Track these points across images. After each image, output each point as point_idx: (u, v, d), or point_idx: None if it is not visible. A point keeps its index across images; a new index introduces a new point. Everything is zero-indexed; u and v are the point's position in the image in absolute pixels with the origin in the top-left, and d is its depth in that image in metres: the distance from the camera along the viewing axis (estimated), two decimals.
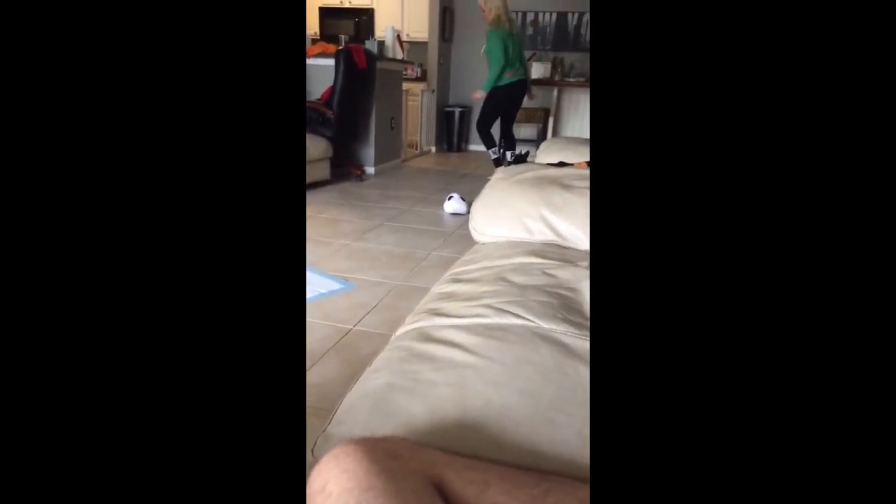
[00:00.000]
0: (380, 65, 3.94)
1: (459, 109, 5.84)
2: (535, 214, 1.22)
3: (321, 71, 3.84)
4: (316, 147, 3.42)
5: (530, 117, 4.97)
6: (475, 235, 1.32)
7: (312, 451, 0.58)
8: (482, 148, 5.94)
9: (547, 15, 5.36)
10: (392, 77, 4.32)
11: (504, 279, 0.95)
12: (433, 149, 5.70)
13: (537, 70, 5.11)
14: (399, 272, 2.10)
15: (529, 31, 5.43)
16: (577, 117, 5.10)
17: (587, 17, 5.22)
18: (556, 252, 1.10)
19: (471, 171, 4.64)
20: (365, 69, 3.69)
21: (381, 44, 4.28)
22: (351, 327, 1.63)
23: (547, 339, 0.73)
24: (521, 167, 1.43)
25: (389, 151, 4.43)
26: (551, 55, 5.31)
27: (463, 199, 3.07)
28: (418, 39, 5.58)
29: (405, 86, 4.81)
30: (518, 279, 0.94)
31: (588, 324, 0.77)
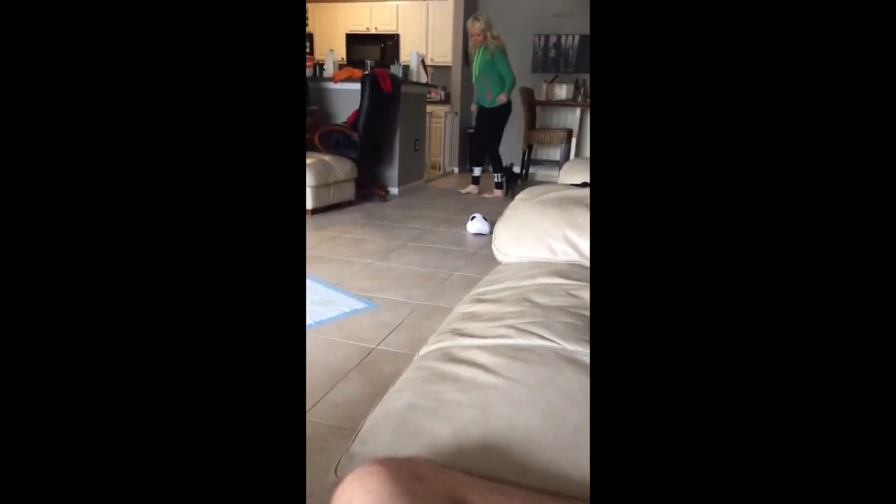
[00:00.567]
0: (404, 88, 4.02)
1: None
2: (559, 235, 1.21)
3: (348, 95, 3.93)
4: (342, 168, 3.49)
5: (553, 138, 4.98)
6: (498, 256, 1.32)
7: (336, 471, 0.58)
8: None
9: (570, 38, 5.41)
10: (416, 100, 4.40)
11: (528, 300, 0.95)
12: (456, 170, 5.75)
13: (560, 92, 5.14)
14: (422, 292, 2.11)
15: (553, 53, 5.48)
16: None
17: None
18: (580, 272, 1.10)
19: (493, 191, 4.66)
20: (390, 93, 3.77)
21: (406, 68, 4.37)
22: (374, 347, 1.63)
23: (571, 361, 0.72)
24: (543, 188, 1.43)
25: (413, 172, 4.49)
26: (574, 77, 5.34)
27: (486, 219, 3.08)
28: (442, 63, 5.68)
29: (429, 108, 4.89)
30: (542, 300, 0.94)
31: None
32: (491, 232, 3.01)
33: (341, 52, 5.99)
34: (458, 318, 0.94)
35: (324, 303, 1.94)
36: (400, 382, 0.75)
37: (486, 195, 4.28)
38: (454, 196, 4.31)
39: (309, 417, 1.25)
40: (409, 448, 0.58)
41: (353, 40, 6.07)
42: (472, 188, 4.43)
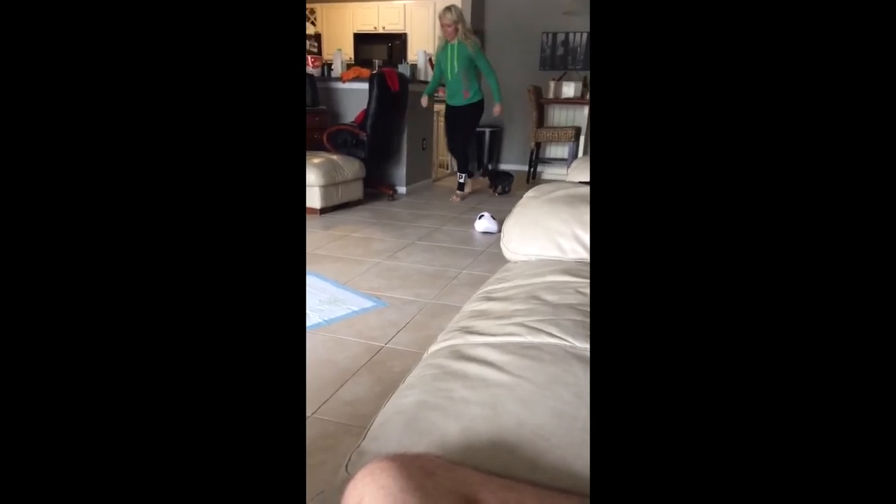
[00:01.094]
0: (412, 87, 4.02)
1: (490, 129, 5.89)
2: (568, 233, 1.21)
3: (356, 94, 3.94)
4: (350, 168, 3.50)
5: (561, 136, 4.97)
6: (507, 254, 1.32)
7: (347, 468, 0.59)
8: (512, 167, 5.97)
9: (578, 35, 5.38)
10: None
11: (537, 298, 0.95)
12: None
13: (568, 90, 5.11)
14: (430, 290, 2.11)
15: (560, 51, 5.46)
16: None
17: None
18: (589, 270, 1.09)
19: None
20: (398, 92, 3.77)
21: (414, 67, 4.38)
22: (383, 345, 1.64)
23: (581, 358, 0.72)
24: (552, 185, 1.43)
25: (420, 171, 4.49)
26: (582, 75, 5.31)
27: (493, 218, 3.07)
28: None
29: (436, 107, 4.88)
30: (551, 298, 0.94)
31: None
32: (499, 230, 3.02)
33: (349, 52, 6.00)
34: (467, 316, 0.94)
35: (333, 301, 1.95)
36: (410, 380, 0.75)
37: (454, 198, 4.02)
38: None
39: (318, 415, 1.26)
40: (419, 445, 0.58)
41: (361, 40, 6.08)
42: (459, 193, 4.11)
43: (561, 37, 5.46)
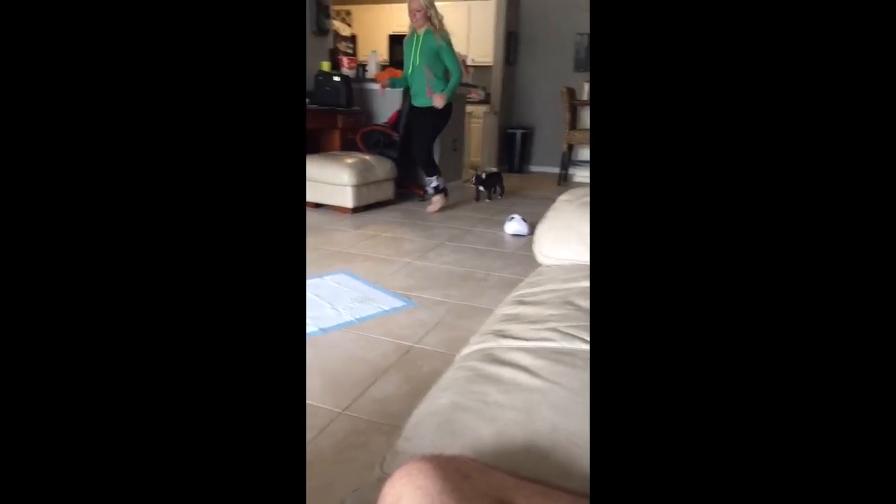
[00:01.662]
0: None
1: (521, 131, 5.86)
2: None
3: (389, 96, 3.98)
4: (382, 168, 3.54)
5: (588, 138, 4.90)
6: (539, 258, 1.32)
7: (382, 466, 0.60)
8: (543, 168, 5.92)
9: None
10: (456, 100, 4.40)
11: (570, 303, 0.94)
12: (495, 170, 5.73)
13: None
14: (459, 292, 2.12)
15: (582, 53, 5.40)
16: None
17: None
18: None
19: (531, 192, 4.62)
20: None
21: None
22: (412, 345, 1.65)
23: None
24: (586, 189, 1.41)
25: (451, 172, 4.50)
26: None
27: (524, 220, 3.06)
28: (483, 63, 5.68)
29: (468, 108, 4.89)
30: (585, 303, 0.93)
31: None
32: (529, 233, 3.00)
33: (384, 54, 6.07)
34: (499, 319, 0.94)
35: (364, 300, 1.98)
36: (443, 381, 0.75)
37: (430, 208, 3.56)
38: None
39: (349, 412, 1.28)
40: (453, 447, 0.58)
41: (396, 41, 6.14)
42: (436, 201, 3.57)
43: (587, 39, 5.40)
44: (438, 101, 3.30)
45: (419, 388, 1.39)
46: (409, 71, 3.32)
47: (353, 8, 6.24)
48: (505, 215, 3.31)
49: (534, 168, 6.06)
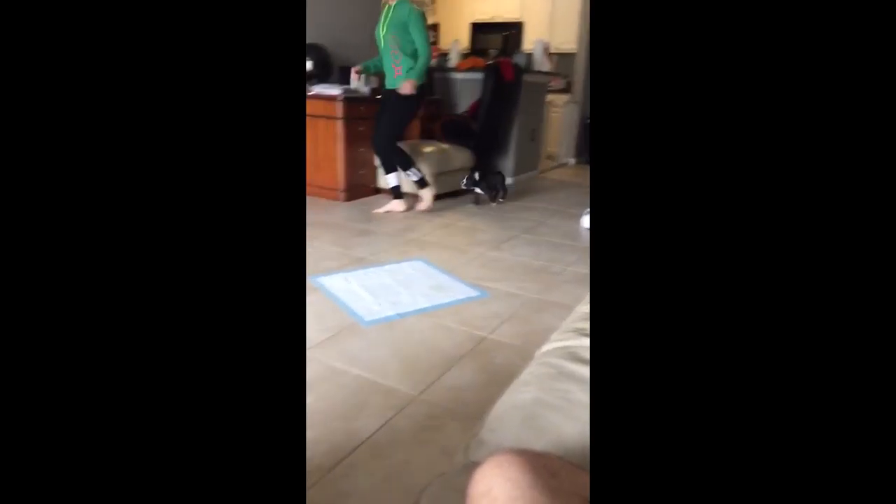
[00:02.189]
0: (526, 77, 3.98)
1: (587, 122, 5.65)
2: None
3: (470, 84, 3.98)
4: (459, 157, 3.56)
5: None
6: None
7: (466, 454, 0.62)
8: None
9: None
10: (537, 89, 4.33)
11: None
12: (573, 161, 5.59)
13: None
14: (533, 285, 2.11)
15: None
16: None
17: None
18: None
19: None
20: (511, 82, 3.75)
21: (529, 56, 4.32)
22: (486, 335, 1.67)
23: None
24: None
25: (528, 162, 4.45)
26: None
27: None
28: (566, 51, 5.52)
29: (548, 97, 4.79)
30: None
31: None
32: None
33: (465, 41, 6.06)
34: (581, 317, 0.94)
35: (439, 288, 2.02)
36: (525, 376, 0.76)
37: (420, 206, 3.16)
38: (568, 188, 4.21)
39: (423, 397, 1.32)
40: (538, 442, 0.60)
41: (478, 29, 6.11)
42: (394, 205, 3.10)
43: None
44: (406, 88, 2.81)
45: (493, 380, 1.41)
46: (381, 47, 2.88)
47: None
48: (581, 208, 3.23)
49: None
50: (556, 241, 2.73)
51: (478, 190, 3.38)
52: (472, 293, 1.99)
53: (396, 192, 3.13)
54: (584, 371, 0.72)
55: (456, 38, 5.11)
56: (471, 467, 0.51)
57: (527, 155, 4.39)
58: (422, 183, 3.12)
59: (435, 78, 4.02)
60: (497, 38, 5.98)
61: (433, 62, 4.16)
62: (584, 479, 0.50)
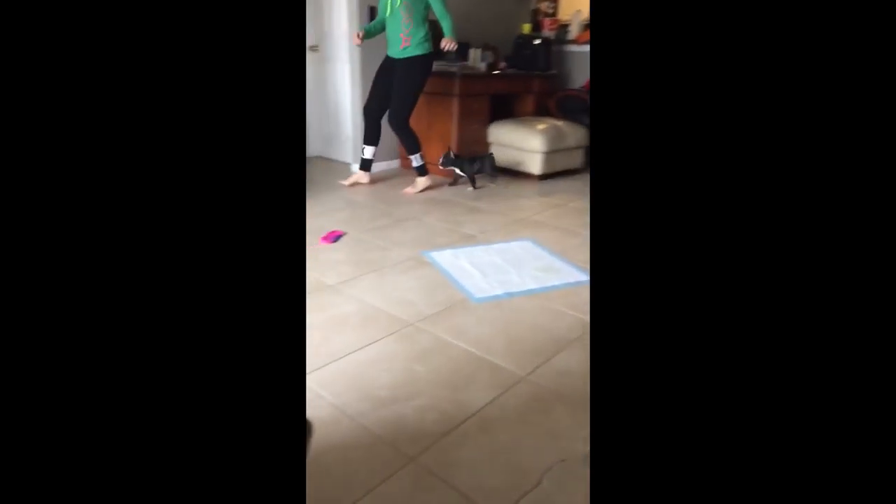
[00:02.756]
0: None
1: None
2: None
3: (587, 58, 3.80)
4: (573, 135, 3.44)
5: None
6: None
7: (586, 444, 0.62)
8: None
9: None
10: None
11: None
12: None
13: None
14: None
15: None
16: None
17: None
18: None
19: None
20: None
21: None
22: None
23: None
24: None
25: None
26: None
27: None
28: None
29: None
30: None
31: None
32: None
33: (587, 13, 5.76)
34: None
35: (548, 269, 1.99)
36: None
37: (408, 189, 3.00)
38: None
39: (531, 378, 1.33)
40: None
41: None
42: (358, 176, 3.03)
43: None
44: (450, 45, 2.67)
45: None
46: (387, 13, 2.67)
47: None
48: None
49: None
50: None
51: (457, 171, 3.10)
52: (583, 277, 1.94)
53: (420, 170, 3.00)
54: None
55: (578, 8, 4.87)
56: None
57: None
58: (421, 171, 2.99)
59: (553, 51, 3.88)
60: None
61: (551, 34, 4.01)
62: None
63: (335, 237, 2.24)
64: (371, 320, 1.59)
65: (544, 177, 3.38)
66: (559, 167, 3.45)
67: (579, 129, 3.50)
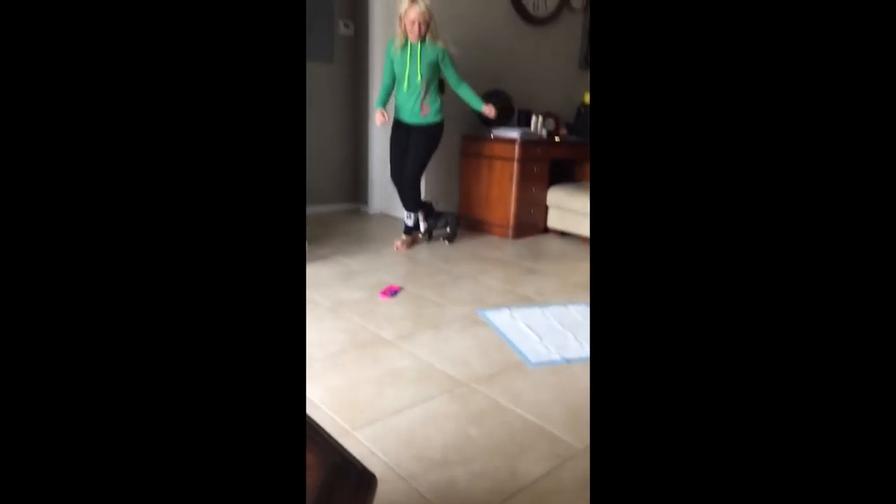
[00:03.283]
0: None
1: None
2: None
3: None
4: None
5: None
6: None
7: None
8: None
9: None
10: None
11: None
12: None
13: None
14: None
15: None
16: None
17: None
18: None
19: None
20: None
21: None
22: None
23: None
24: None
25: None
26: None
27: None
28: None
29: None
30: None
31: None
32: None
33: None
34: None
35: None
36: None
37: (399, 244, 3.06)
38: None
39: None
40: None
41: None
42: (404, 240, 3.09)
43: None
44: (489, 111, 2.91)
45: None
46: (405, 87, 2.84)
47: None
48: None
49: None
50: None
51: (421, 222, 3.14)
52: None
53: (408, 230, 3.10)
54: None
55: None
56: None
57: None
58: (409, 230, 3.11)
59: None
60: None
61: None
62: None
63: (393, 292, 2.29)
64: (425, 377, 1.58)
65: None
66: None
67: None
